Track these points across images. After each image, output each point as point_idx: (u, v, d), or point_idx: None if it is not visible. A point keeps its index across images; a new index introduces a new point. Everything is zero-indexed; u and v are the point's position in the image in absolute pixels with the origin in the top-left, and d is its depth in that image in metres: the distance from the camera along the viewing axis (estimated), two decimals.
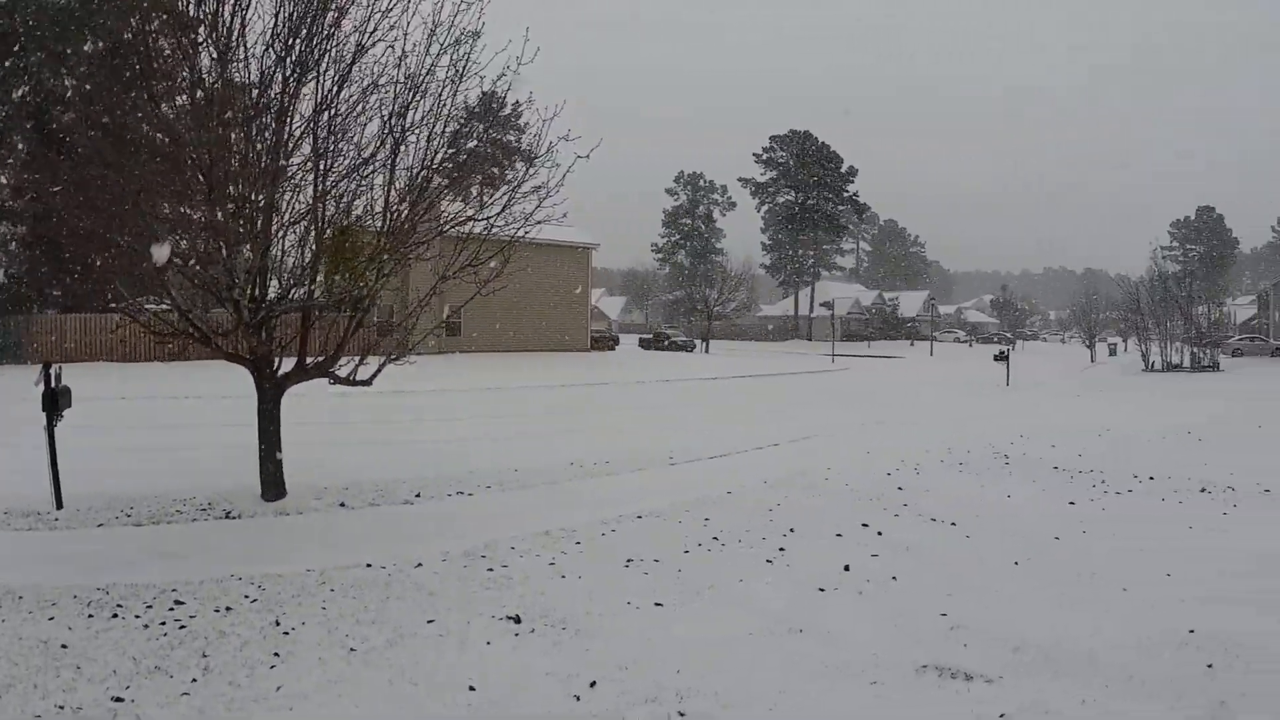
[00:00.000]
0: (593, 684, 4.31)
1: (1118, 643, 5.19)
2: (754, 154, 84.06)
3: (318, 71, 7.76)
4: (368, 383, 8.25)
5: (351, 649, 4.68)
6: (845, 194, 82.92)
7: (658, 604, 5.59)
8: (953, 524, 8.24)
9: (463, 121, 9.09)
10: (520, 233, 8.72)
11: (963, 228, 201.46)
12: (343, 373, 8.21)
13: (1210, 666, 4.83)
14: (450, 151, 8.79)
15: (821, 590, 5.97)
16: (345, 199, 8.25)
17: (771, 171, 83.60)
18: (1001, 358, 29.96)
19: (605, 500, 8.87)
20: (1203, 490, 10.06)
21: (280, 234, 7.98)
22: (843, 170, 79.55)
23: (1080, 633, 5.33)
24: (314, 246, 7.91)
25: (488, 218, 8.69)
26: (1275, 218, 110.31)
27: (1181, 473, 11.10)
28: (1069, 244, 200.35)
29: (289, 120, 7.73)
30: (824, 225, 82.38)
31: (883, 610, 5.60)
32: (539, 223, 8.77)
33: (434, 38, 7.98)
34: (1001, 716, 4.18)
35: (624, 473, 10.67)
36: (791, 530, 7.73)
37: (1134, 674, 4.74)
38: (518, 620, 5.17)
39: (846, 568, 6.54)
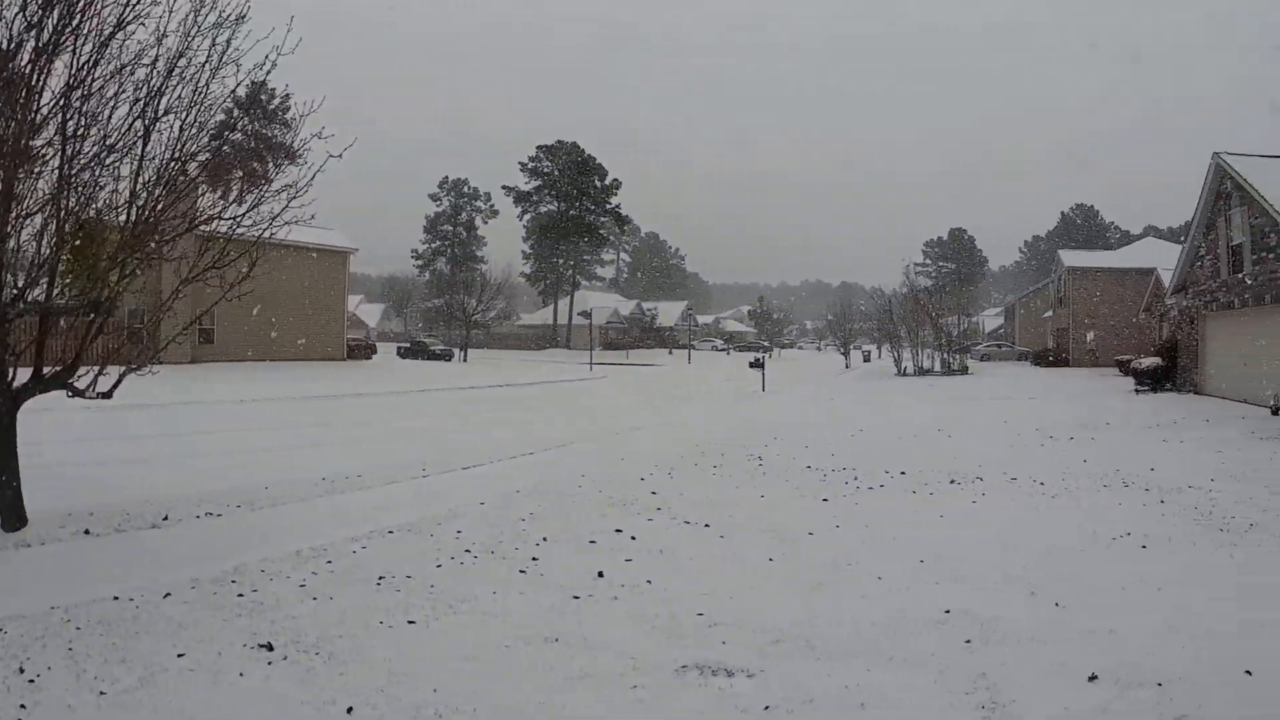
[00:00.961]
0: (349, 710, 4.56)
1: (877, 627, 5.98)
2: (520, 163, 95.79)
3: (74, 45, 7.74)
4: (108, 395, 8.40)
5: (101, 692, 4.72)
6: (608, 205, 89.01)
7: (411, 621, 5.96)
8: (706, 525, 9.19)
9: (226, 112, 9.44)
10: (268, 233, 9.08)
11: (722, 242, 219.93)
12: (81, 384, 8.38)
13: (969, 642, 5.71)
14: (209, 143, 9.15)
15: (576, 598, 6.54)
16: (89, 189, 8.29)
17: (536, 181, 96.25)
18: (756, 364, 32.79)
19: (357, 516, 9.42)
20: (952, 481, 11.91)
21: (18, 225, 7.95)
22: (606, 182, 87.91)
23: (839, 620, 6.10)
24: (55, 241, 7.99)
25: (234, 216, 9.05)
26: (1022, 240, 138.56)
27: (931, 466, 13.13)
28: (827, 259, 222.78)
29: (38, 96, 7.74)
30: (585, 235, 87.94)
31: (639, 614, 6.21)
32: (288, 223, 9.10)
33: (196, 18, 8.23)
34: (766, 709, 4.69)
35: (377, 486, 11.41)
36: (545, 539, 8.44)
37: (894, 655, 5.48)
38: (270, 648, 5.36)
39: (600, 574, 7.18)
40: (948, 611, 6.21)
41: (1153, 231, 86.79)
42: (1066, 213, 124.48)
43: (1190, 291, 27.61)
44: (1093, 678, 5.09)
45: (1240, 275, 23.54)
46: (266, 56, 8.40)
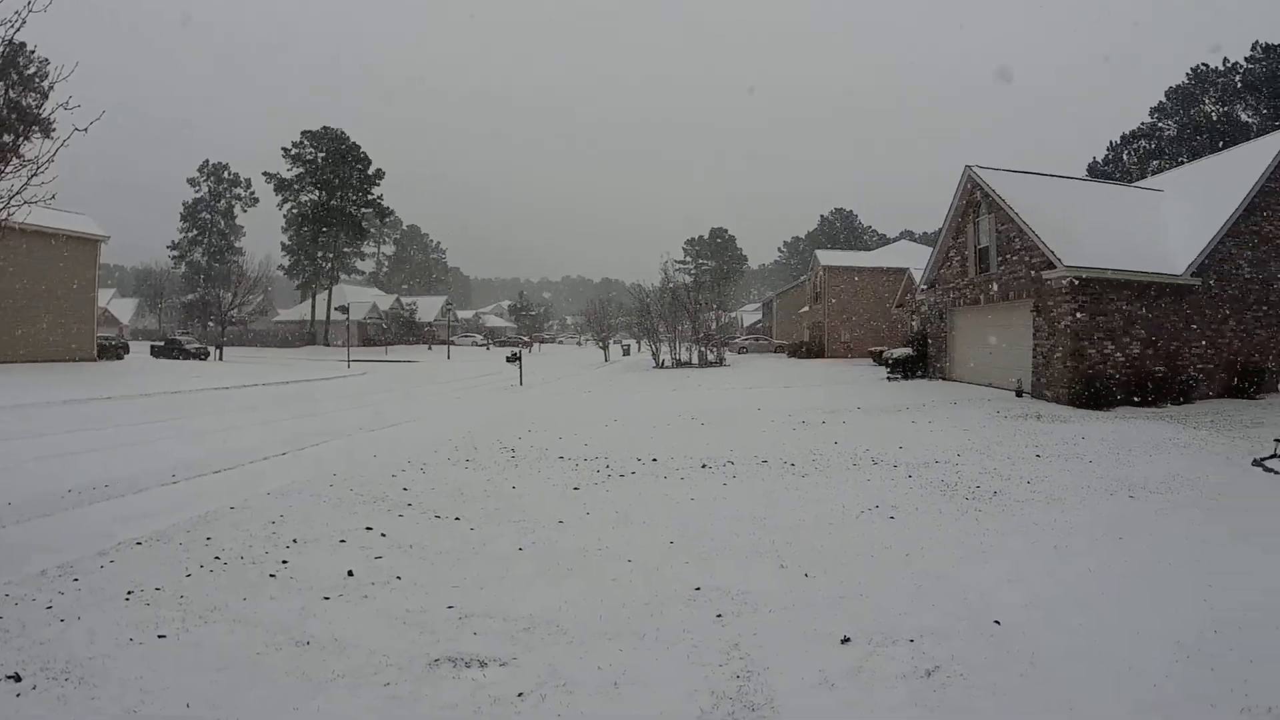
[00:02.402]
0: None
1: (628, 608, 6.32)
2: (283, 148, 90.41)
3: None
4: None
5: None
6: (370, 196, 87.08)
7: (161, 635, 5.85)
8: (457, 518, 9.41)
9: None
10: (3, 214, 8.67)
11: (487, 236, 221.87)
12: None
13: (719, 616, 6.13)
14: None
15: (327, 599, 6.63)
16: None
17: (299, 168, 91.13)
18: (514, 359, 32.59)
19: (105, 528, 8.91)
20: (704, 466, 12.58)
21: None
22: (370, 172, 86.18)
23: (590, 604, 6.41)
24: None
25: None
26: (781, 241, 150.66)
27: (684, 453, 13.82)
28: (590, 255, 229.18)
29: None
30: (347, 227, 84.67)
31: (390, 611, 6.36)
32: (28, 203, 7.68)
33: None
34: (520, 695, 4.91)
35: (125, 495, 10.76)
36: (295, 541, 8.42)
37: (646, 634, 5.82)
38: (18, 679, 5.14)
39: (351, 573, 7.29)
40: (698, 589, 6.62)
41: (909, 236, 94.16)
42: (826, 216, 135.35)
43: (940, 288, 30.61)
44: (845, 640, 5.60)
45: (987, 274, 26.78)
46: (17, 13, 8.01)
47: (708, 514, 9.40)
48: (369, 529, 8.77)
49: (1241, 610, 6.20)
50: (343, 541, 8.30)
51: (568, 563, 7.48)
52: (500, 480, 11.56)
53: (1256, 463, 12.86)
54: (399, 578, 7.07)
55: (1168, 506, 9.96)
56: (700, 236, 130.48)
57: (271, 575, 7.18)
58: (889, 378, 31.34)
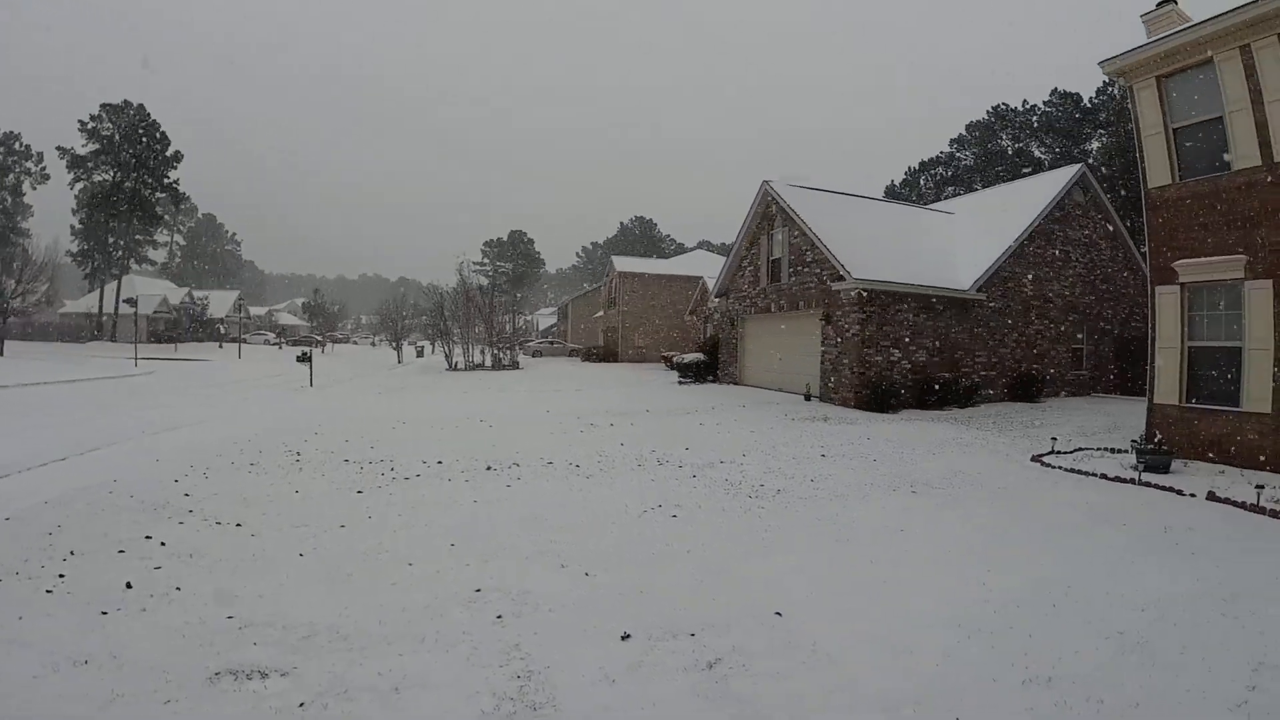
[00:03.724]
0: None
1: (409, 613, 6.27)
2: (80, 121, 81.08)
3: None
4: None
5: None
6: (166, 180, 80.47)
7: None
8: (238, 525, 9.16)
9: None
10: None
11: (285, 228, 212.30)
12: None
13: (500, 617, 6.20)
14: None
15: (105, 614, 6.29)
16: None
17: (95, 144, 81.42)
18: (304, 359, 31.30)
19: None
20: (489, 469, 12.64)
21: None
22: (168, 153, 79.02)
23: (371, 610, 6.32)
24: None
25: None
26: (580, 246, 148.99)
27: (470, 455, 13.84)
28: (386, 253, 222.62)
29: None
30: (141, 212, 76.89)
31: (169, 624, 6.12)
32: None
33: None
34: (301, 705, 4.82)
35: None
36: (73, 553, 7.97)
37: (427, 637, 5.80)
38: None
39: (129, 585, 6.97)
40: (479, 590, 6.66)
41: (706, 246, 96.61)
42: (626, 223, 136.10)
43: (733, 296, 31.96)
44: (626, 636, 5.73)
45: (779, 284, 28.23)
46: None
47: (491, 516, 9.44)
48: (149, 538, 8.40)
49: (1019, 591, 6.79)
50: (121, 552, 7.92)
51: (348, 567, 7.34)
52: (283, 485, 11.21)
53: (1035, 459, 14.16)
54: (178, 588, 6.82)
55: (949, 500, 10.73)
56: (499, 238, 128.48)
57: (48, 591, 6.78)
58: (680, 382, 32.32)
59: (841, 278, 23.10)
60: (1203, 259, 14.39)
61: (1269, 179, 13.40)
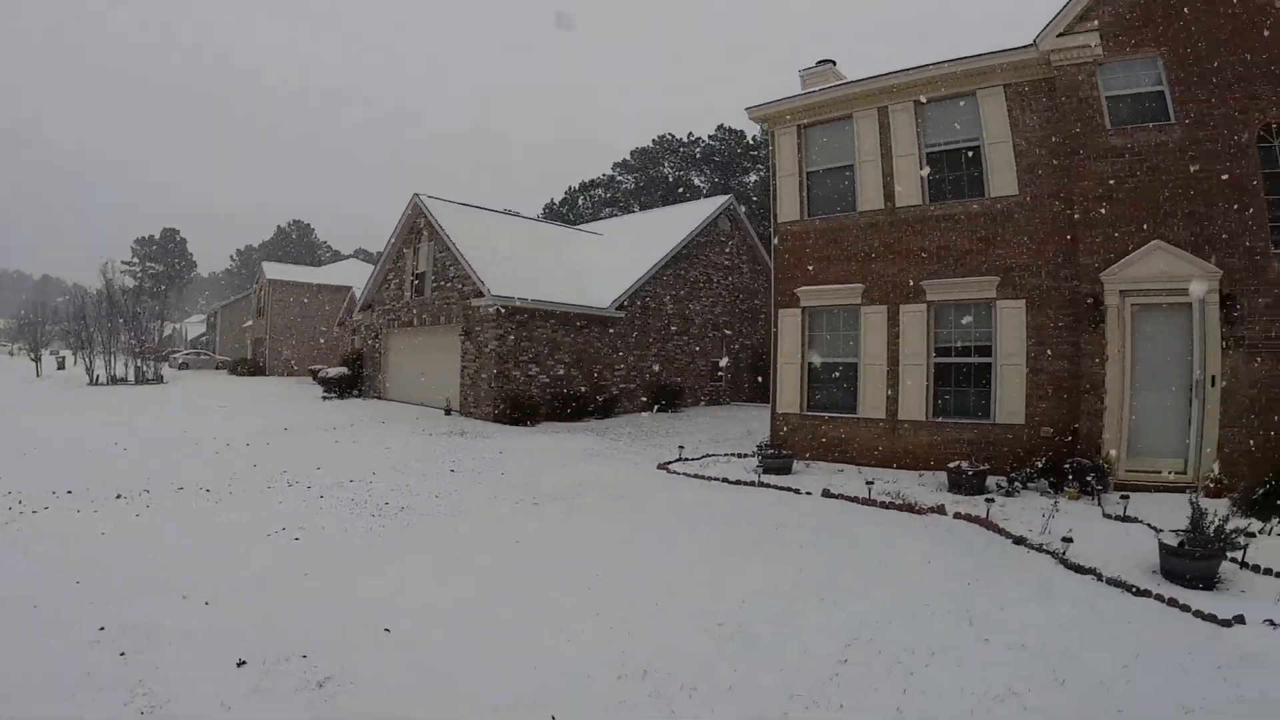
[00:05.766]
0: None
1: (37, 659, 5.86)
2: None
3: None
4: None
5: None
6: None
7: None
8: None
9: None
10: None
11: None
12: None
13: (123, 654, 5.96)
14: None
15: None
16: None
17: None
18: None
19: None
20: (119, 496, 11.85)
21: None
22: None
23: None
24: None
25: None
26: (235, 249, 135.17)
27: (102, 482, 12.86)
28: (28, 243, 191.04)
29: None
30: None
31: None
32: None
33: None
34: None
35: None
36: None
37: (46, 684, 5.44)
38: None
39: None
40: (103, 629, 6.38)
41: (363, 255, 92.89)
42: (283, 227, 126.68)
43: (379, 309, 31.51)
44: (241, 663, 5.81)
45: (422, 298, 28.21)
46: None
47: (118, 548, 8.91)
48: None
49: (629, 593, 7.46)
50: None
51: None
52: None
53: (661, 466, 15.19)
54: None
55: (570, 510, 11.41)
56: (151, 235, 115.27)
57: None
58: (324, 397, 31.41)
59: (481, 294, 23.53)
60: (824, 286, 16.41)
61: (889, 220, 15.69)
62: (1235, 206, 12.47)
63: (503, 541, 9.55)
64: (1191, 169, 12.73)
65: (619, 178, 71.93)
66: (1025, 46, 14.23)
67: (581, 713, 5.23)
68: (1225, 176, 12.54)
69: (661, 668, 5.86)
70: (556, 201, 73.97)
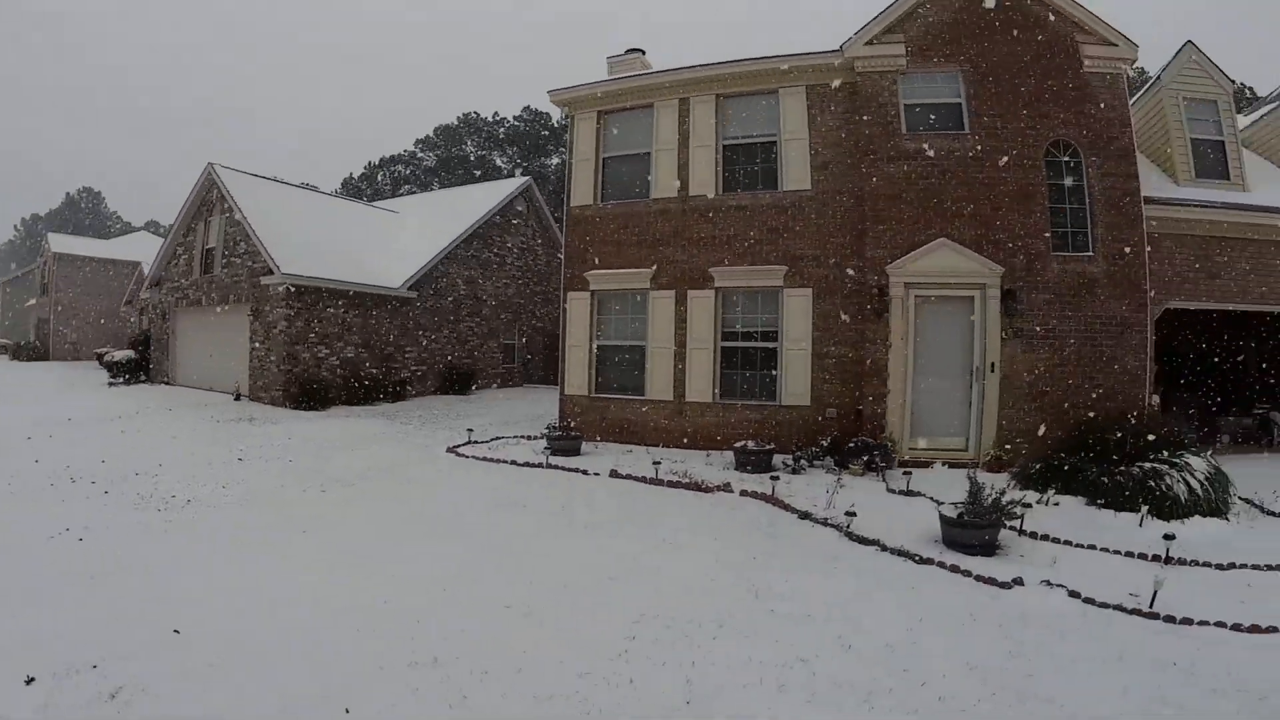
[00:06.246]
0: None
1: None
2: None
3: None
4: None
5: None
6: None
7: None
8: None
9: None
10: None
11: None
12: None
13: None
14: None
15: None
16: None
17: None
18: None
19: None
20: None
21: None
22: None
23: None
24: None
25: None
26: (20, 218, 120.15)
27: None
28: None
29: None
30: None
31: None
32: None
33: None
34: None
35: None
36: None
37: None
38: None
39: None
40: None
41: (154, 228, 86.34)
42: (73, 195, 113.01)
43: (167, 287, 29.25)
44: (30, 680, 5.19)
45: (211, 275, 26.25)
46: None
47: None
48: None
49: (420, 580, 7.15)
50: None
51: None
52: None
53: (451, 449, 14.84)
54: None
55: (357, 495, 10.96)
56: None
57: None
58: (110, 383, 28.92)
59: (271, 271, 22.24)
60: (614, 270, 16.43)
61: (682, 208, 15.82)
62: (1020, 212, 13.59)
63: (290, 532, 9.04)
64: (981, 176, 13.72)
65: (420, 154, 70.34)
66: (831, 51, 14.83)
67: (375, 704, 5.00)
68: (1013, 185, 13.63)
69: (451, 653, 5.67)
70: (356, 176, 71.84)
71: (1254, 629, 6.25)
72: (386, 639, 5.91)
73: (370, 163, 72.00)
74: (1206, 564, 8.15)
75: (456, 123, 69.01)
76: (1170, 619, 6.48)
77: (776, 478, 11.73)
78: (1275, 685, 5.34)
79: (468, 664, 5.50)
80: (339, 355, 23.73)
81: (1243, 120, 18.41)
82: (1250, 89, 42.70)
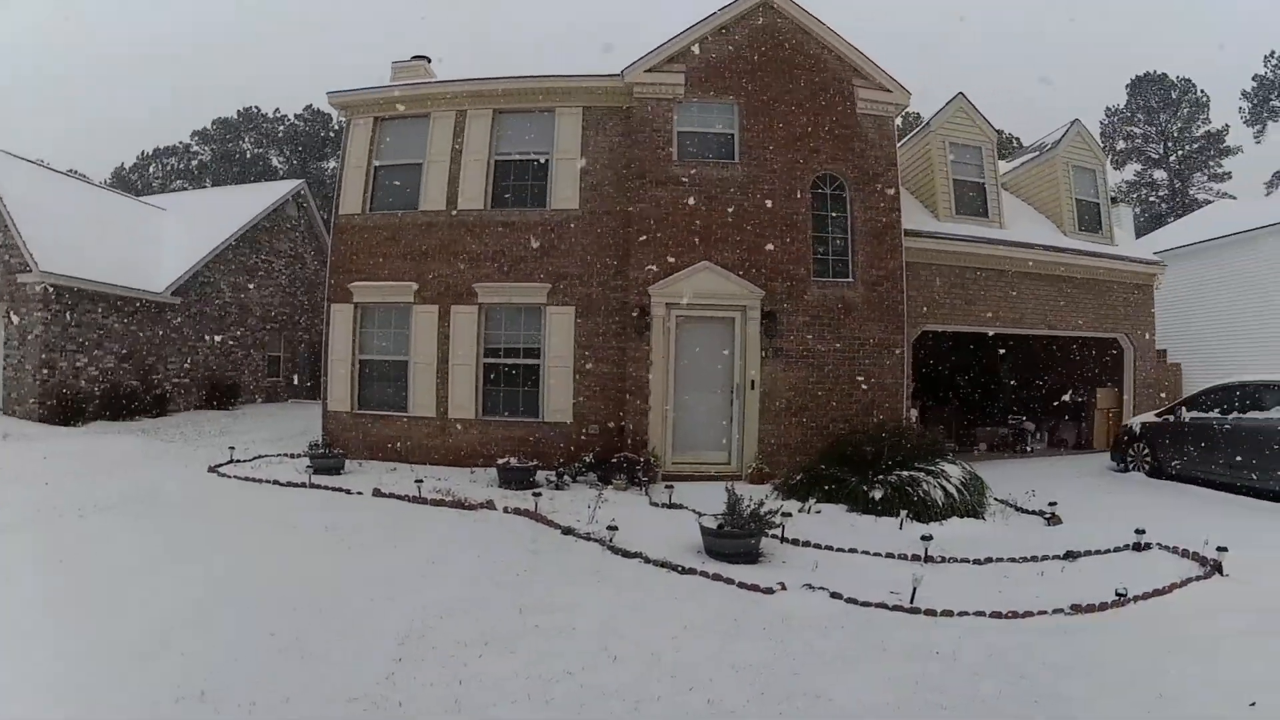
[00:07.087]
0: None
1: None
2: None
3: None
4: None
5: None
6: None
7: None
8: None
9: None
10: None
11: None
12: None
13: None
14: None
15: None
16: None
17: None
18: None
19: None
20: None
21: None
22: None
23: None
24: None
25: None
26: None
27: None
28: None
29: None
30: None
31: None
32: None
33: None
34: None
35: None
36: None
37: None
38: None
39: None
40: None
41: None
42: None
43: None
44: None
45: None
46: None
47: None
48: None
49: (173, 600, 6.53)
50: None
51: None
52: None
53: (212, 469, 14.03)
54: None
55: (122, 520, 10.12)
56: None
57: None
58: None
59: (29, 268, 19.72)
60: (378, 282, 16.00)
61: (449, 221, 15.58)
62: (784, 240, 14.29)
63: (46, 561, 8.27)
64: (747, 204, 14.31)
65: (195, 148, 64.53)
66: (611, 75, 15.04)
67: None
68: (779, 214, 14.31)
69: (218, 685, 5.35)
70: (127, 167, 64.77)
71: (1011, 614, 6.74)
72: (151, 672, 5.48)
73: (144, 152, 65.34)
74: (965, 560, 8.76)
75: (236, 117, 63.72)
76: (931, 612, 6.84)
77: (540, 494, 11.81)
78: (1032, 664, 5.74)
79: (234, 695, 5.23)
80: (98, 365, 21.50)
81: (1006, 166, 20.10)
82: (1017, 138, 46.75)
